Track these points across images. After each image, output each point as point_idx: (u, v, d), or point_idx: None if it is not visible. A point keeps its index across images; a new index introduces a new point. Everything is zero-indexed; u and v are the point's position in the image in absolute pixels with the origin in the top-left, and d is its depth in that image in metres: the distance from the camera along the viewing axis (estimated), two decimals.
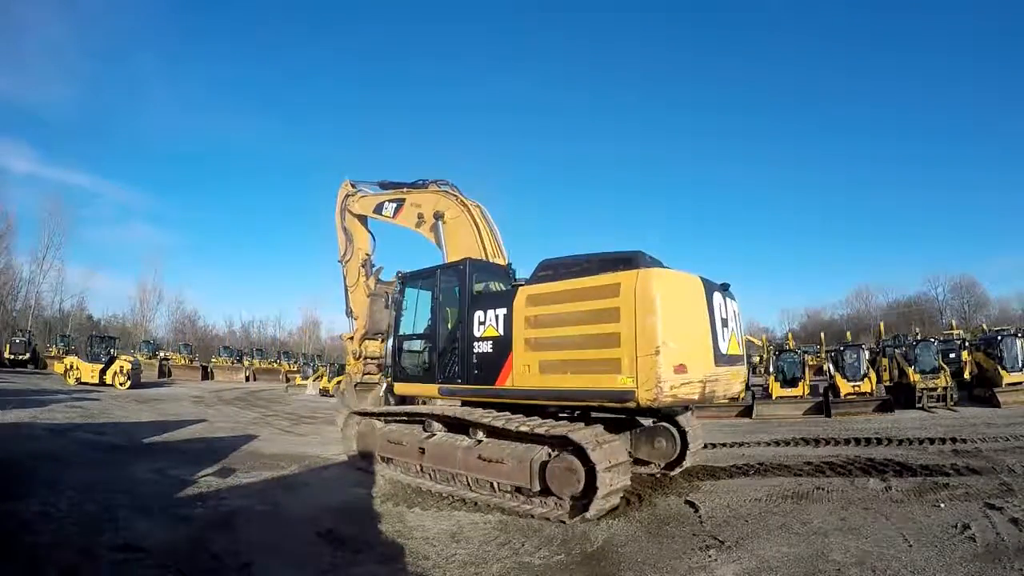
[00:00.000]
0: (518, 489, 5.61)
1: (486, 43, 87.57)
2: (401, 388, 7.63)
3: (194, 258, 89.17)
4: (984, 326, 27.34)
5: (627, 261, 5.53)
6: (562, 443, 5.39)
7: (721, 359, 5.69)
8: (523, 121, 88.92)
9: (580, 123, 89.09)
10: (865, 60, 76.46)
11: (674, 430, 6.84)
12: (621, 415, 6.46)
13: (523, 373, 5.95)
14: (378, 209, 9.45)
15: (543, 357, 5.84)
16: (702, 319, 5.56)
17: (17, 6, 57.97)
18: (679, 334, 5.20)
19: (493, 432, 5.98)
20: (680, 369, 5.09)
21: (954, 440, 9.20)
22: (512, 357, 6.04)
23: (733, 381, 6.07)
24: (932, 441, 9.24)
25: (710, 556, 4.17)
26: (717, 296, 5.86)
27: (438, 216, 8.34)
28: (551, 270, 6.19)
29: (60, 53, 67.38)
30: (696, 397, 5.39)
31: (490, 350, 6.30)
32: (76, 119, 69.72)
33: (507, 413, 6.04)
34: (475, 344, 6.46)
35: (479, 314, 6.46)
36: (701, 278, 5.77)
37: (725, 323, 5.92)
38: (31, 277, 44.83)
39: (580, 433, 5.32)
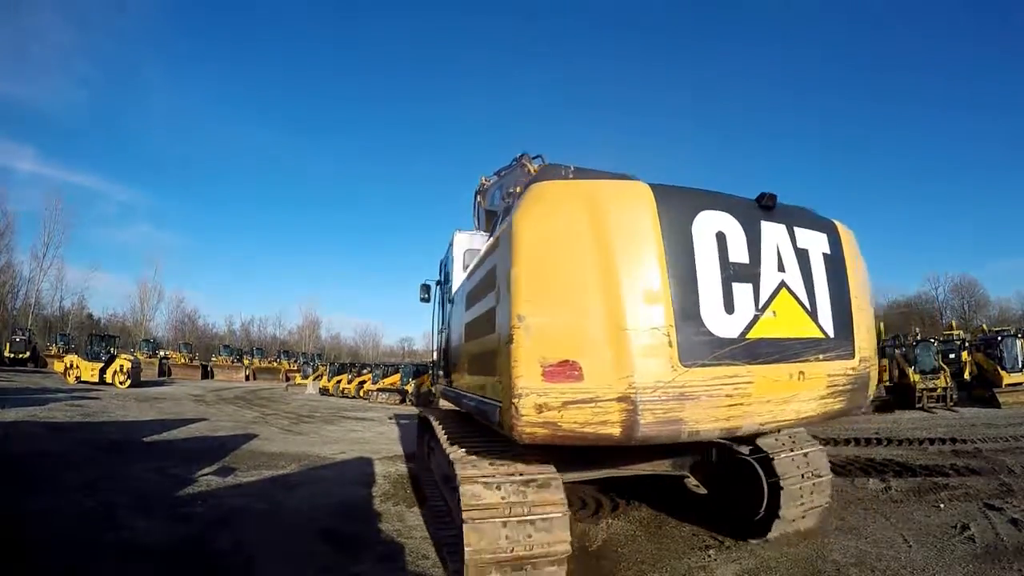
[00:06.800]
0: None
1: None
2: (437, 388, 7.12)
3: (194, 257, 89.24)
4: (984, 326, 27.33)
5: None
6: None
7: (727, 349, 3.00)
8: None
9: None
10: (864, 58, 76.42)
11: (759, 470, 4.17)
12: None
13: (461, 370, 4.61)
14: (492, 201, 7.69)
15: (467, 348, 4.41)
16: (643, 267, 2.91)
17: (21, 7, 57.96)
18: (564, 297, 2.90)
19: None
20: (560, 372, 2.80)
21: (954, 440, 9.22)
22: (461, 348, 4.69)
23: (797, 391, 3.24)
24: (932, 441, 9.26)
25: (710, 556, 4.17)
26: (709, 219, 3.11)
27: (511, 194, 6.65)
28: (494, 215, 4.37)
29: (64, 54, 67.36)
30: (618, 433, 2.85)
31: (456, 340, 5.08)
32: (79, 119, 69.68)
33: None
34: (452, 332, 5.37)
35: (459, 294, 5.34)
36: (654, 186, 3.08)
37: (747, 274, 3.15)
38: (31, 275, 44.98)
39: (456, 453, 3.76)
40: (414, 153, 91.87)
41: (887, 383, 17.36)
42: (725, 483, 4.59)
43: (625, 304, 2.84)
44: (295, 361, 41.82)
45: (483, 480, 3.39)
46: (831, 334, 3.43)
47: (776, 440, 4.38)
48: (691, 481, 5.47)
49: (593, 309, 2.85)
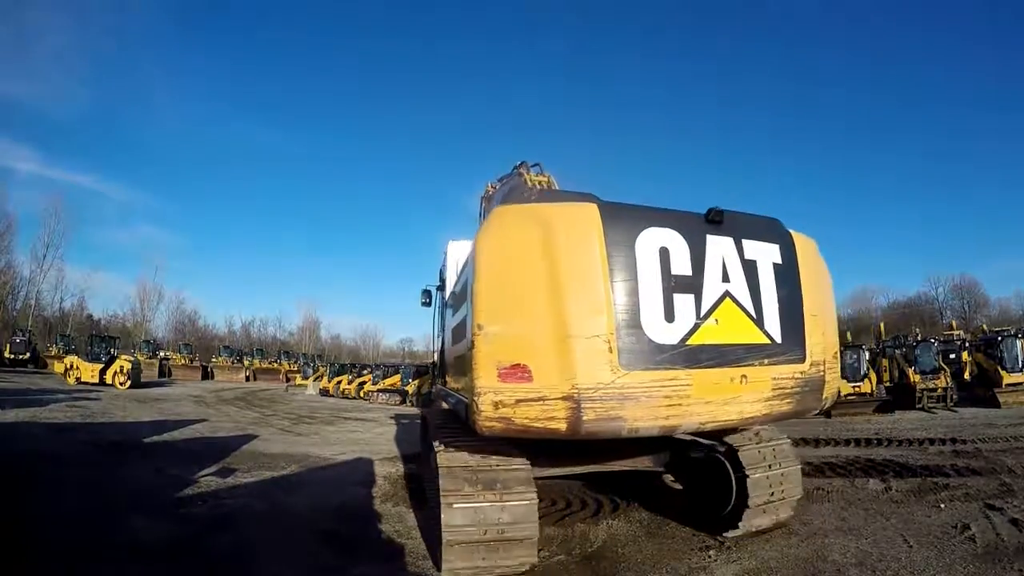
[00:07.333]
0: None
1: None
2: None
3: (194, 258, 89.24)
4: (984, 327, 27.31)
5: None
6: None
7: (667, 354, 3.26)
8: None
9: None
10: (864, 57, 76.43)
11: (727, 464, 4.46)
12: None
13: (450, 372, 5.12)
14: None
15: (452, 351, 4.92)
16: (588, 281, 3.21)
17: (21, 7, 58.03)
18: (517, 308, 3.25)
19: None
20: (512, 374, 3.15)
21: (954, 441, 9.22)
22: (449, 351, 5.27)
23: (739, 393, 3.46)
24: (932, 442, 9.25)
25: (710, 556, 4.17)
26: (652, 235, 3.37)
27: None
28: None
29: (64, 54, 67.45)
30: (564, 428, 3.17)
31: (447, 344, 5.57)
32: (79, 119, 69.67)
33: None
34: (445, 337, 5.85)
35: (448, 301, 5.81)
36: (603, 206, 3.38)
37: (689, 285, 3.40)
38: (31, 276, 44.88)
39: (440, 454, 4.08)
40: (415, 154, 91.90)
41: (887, 383, 17.35)
42: (699, 479, 4.82)
43: (570, 315, 3.16)
44: (295, 362, 41.77)
45: (457, 451, 3.93)
46: (778, 340, 3.63)
47: (743, 436, 4.59)
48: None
49: (542, 319, 3.18)
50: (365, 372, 27.42)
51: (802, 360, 3.72)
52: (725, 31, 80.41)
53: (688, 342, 3.34)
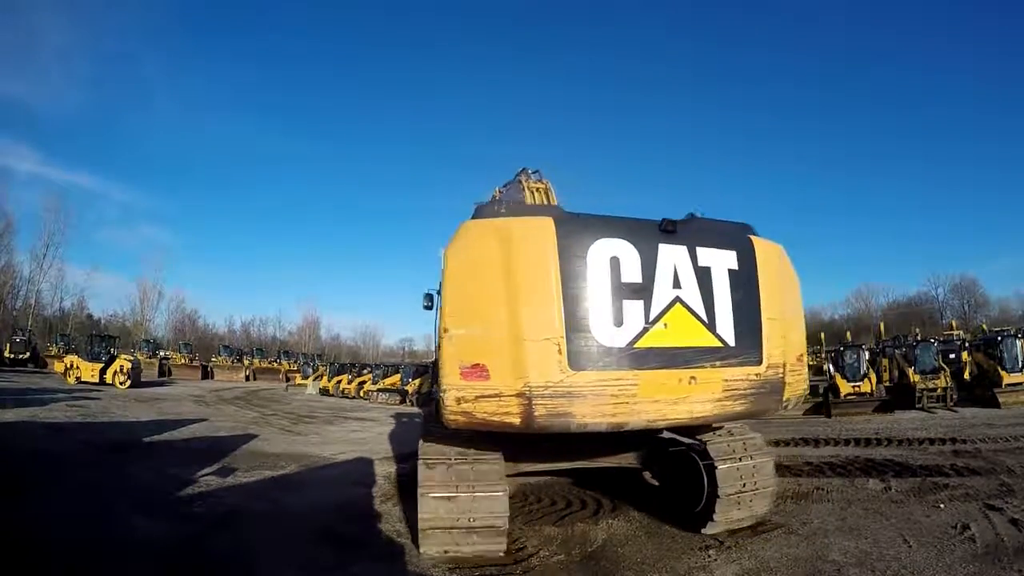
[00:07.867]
0: None
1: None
2: None
3: (194, 257, 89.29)
4: (984, 326, 27.32)
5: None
6: None
7: (613, 357, 3.47)
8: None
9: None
10: (865, 57, 76.38)
11: (699, 461, 4.51)
12: None
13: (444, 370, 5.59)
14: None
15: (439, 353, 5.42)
16: (540, 289, 3.45)
17: (20, 6, 57.99)
18: (478, 314, 3.53)
19: None
20: (473, 373, 3.44)
21: (954, 440, 9.22)
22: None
23: (688, 393, 3.62)
24: (932, 441, 9.26)
25: (710, 556, 4.17)
26: (604, 245, 3.58)
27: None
28: None
29: (63, 53, 67.48)
30: (518, 422, 3.46)
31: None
32: (79, 119, 69.71)
33: None
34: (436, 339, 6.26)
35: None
36: (559, 219, 3.65)
37: (639, 291, 3.58)
38: (31, 276, 44.84)
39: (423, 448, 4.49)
40: (416, 154, 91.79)
41: (887, 383, 17.34)
42: (675, 477, 4.92)
43: (523, 319, 3.42)
44: (295, 361, 41.71)
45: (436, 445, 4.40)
46: (731, 343, 3.77)
47: (714, 433, 4.72)
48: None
49: (499, 323, 3.45)
50: (365, 372, 27.46)
51: (758, 363, 3.85)
52: (728, 32, 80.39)
53: (636, 345, 3.54)
